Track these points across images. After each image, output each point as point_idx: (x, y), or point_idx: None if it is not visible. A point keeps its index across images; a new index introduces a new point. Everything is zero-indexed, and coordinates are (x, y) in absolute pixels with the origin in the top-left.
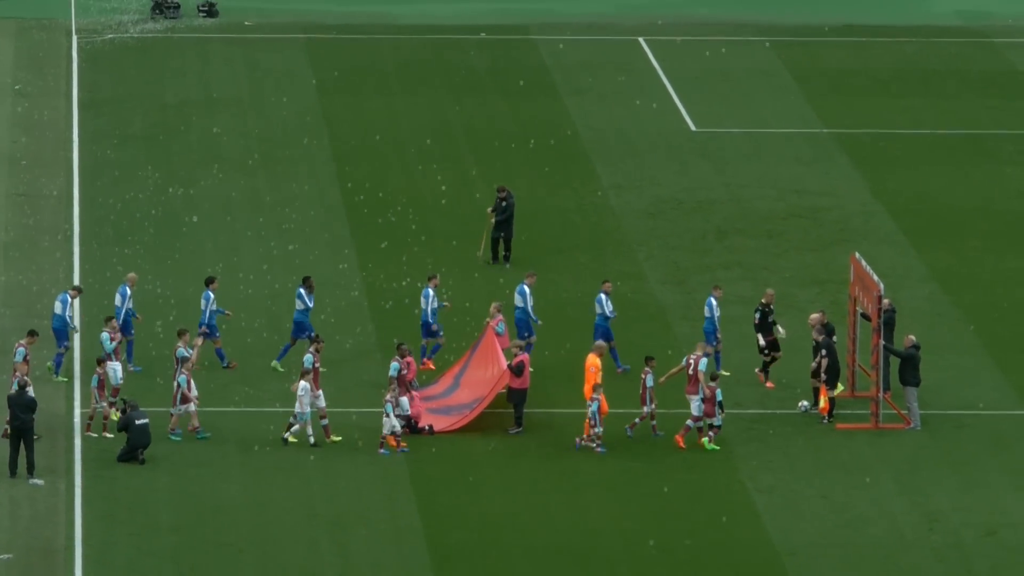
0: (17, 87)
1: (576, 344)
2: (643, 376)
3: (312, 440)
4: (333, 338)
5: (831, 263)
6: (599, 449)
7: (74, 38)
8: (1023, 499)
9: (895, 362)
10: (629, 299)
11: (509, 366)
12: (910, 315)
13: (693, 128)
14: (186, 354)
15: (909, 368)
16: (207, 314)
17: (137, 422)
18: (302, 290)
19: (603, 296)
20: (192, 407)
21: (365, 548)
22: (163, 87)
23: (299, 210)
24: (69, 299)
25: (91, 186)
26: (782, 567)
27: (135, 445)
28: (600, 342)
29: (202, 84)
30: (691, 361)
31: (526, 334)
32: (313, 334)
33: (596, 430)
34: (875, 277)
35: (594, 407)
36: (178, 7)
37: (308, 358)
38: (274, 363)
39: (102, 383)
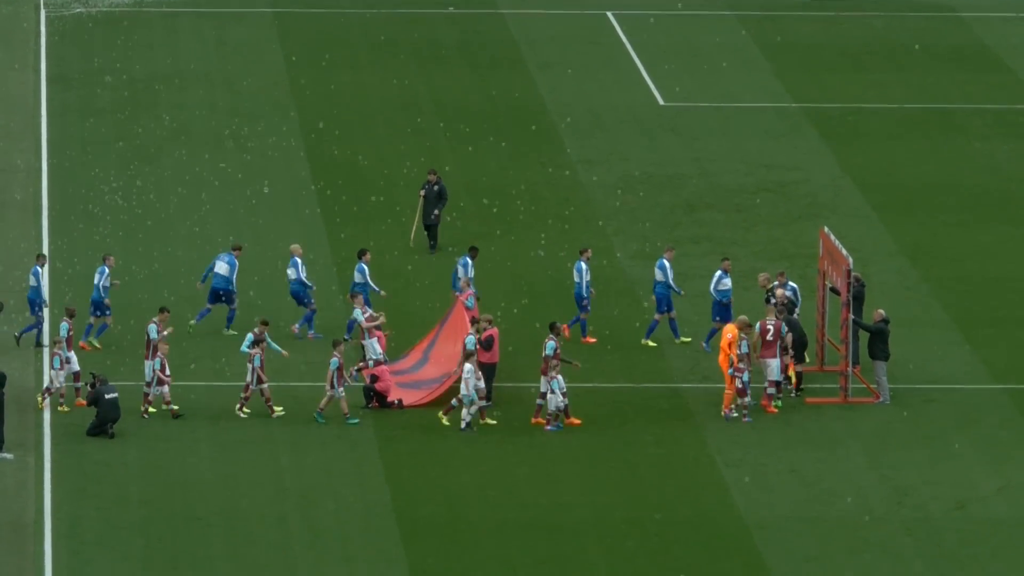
0: None
1: (545, 318)
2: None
3: (467, 421)
4: (302, 313)
5: (800, 237)
6: (747, 419)
7: (42, 12)
8: (991, 473)
9: (864, 336)
10: (598, 273)
11: (478, 340)
12: (879, 289)
13: (662, 102)
14: (349, 334)
15: (878, 342)
16: (368, 285)
17: (106, 396)
18: (468, 259)
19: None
20: (341, 392)
21: (334, 522)
22: (131, 61)
23: (268, 184)
24: (235, 260)
25: (59, 160)
26: (751, 541)
27: (104, 419)
28: (743, 316)
29: (171, 58)
30: (769, 327)
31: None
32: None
33: (747, 399)
34: (844, 251)
35: (745, 376)
36: None
37: (470, 339)
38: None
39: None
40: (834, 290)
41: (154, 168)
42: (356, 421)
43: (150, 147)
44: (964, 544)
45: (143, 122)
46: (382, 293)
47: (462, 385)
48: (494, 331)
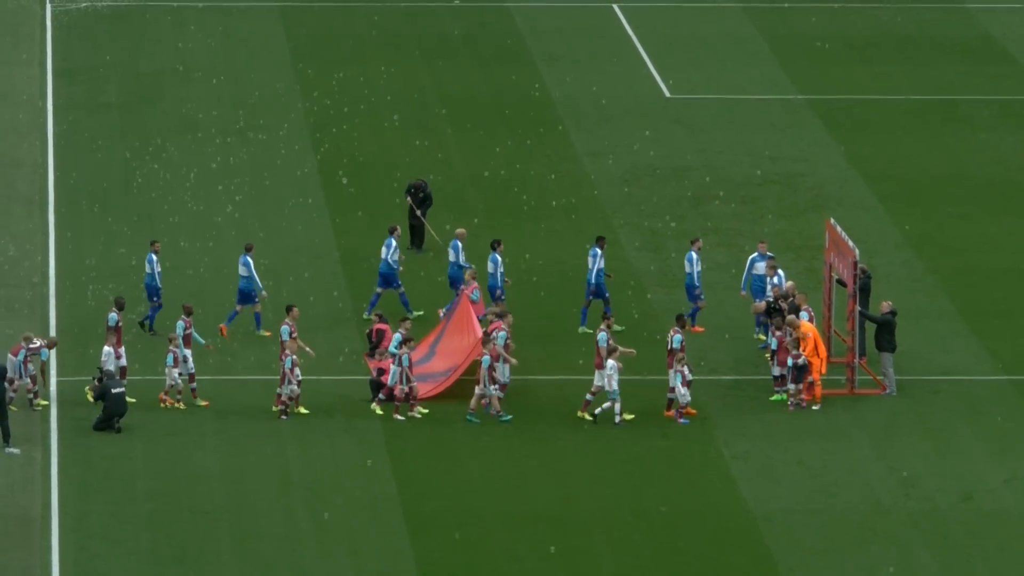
0: None
1: (551, 310)
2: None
3: (619, 419)
4: (308, 305)
5: (806, 229)
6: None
7: (48, 6)
8: (998, 464)
9: (871, 328)
10: (605, 266)
11: (484, 333)
12: (885, 281)
13: (667, 95)
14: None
15: (885, 334)
16: (498, 277)
17: (113, 391)
18: (598, 249)
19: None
20: (494, 390)
21: (341, 516)
22: (137, 55)
23: (274, 178)
24: (394, 242)
25: (66, 154)
26: (758, 533)
27: (111, 414)
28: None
29: (176, 52)
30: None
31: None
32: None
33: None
34: (850, 243)
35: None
36: None
37: (603, 336)
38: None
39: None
40: (840, 282)
41: (160, 162)
42: (509, 418)
43: (156, 141)
44: (971, 536)
45: (149, 116)
46: (508, 281)
47: (606, 381)
48: (500, 324)
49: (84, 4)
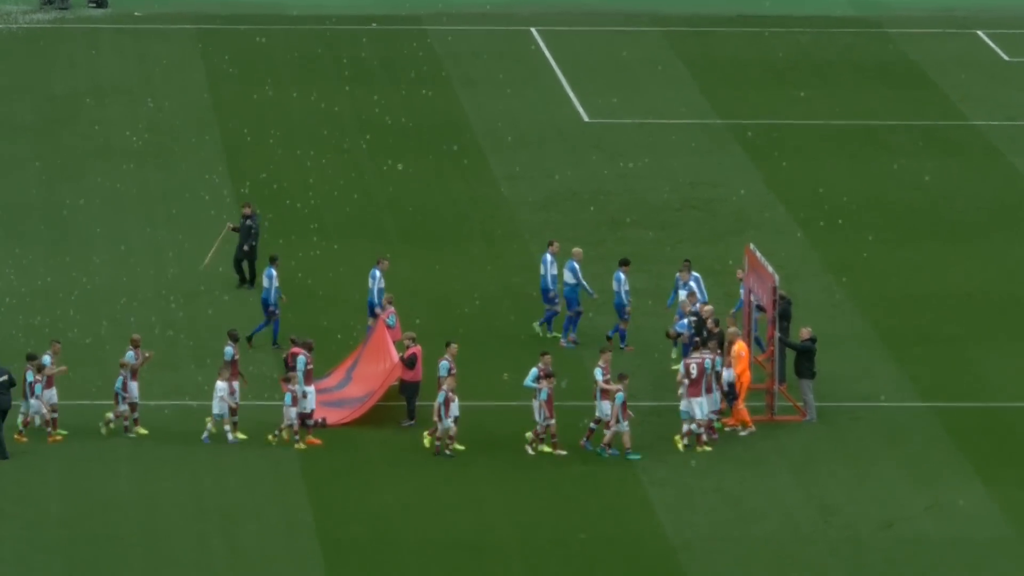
0: None
1: (465, 336)
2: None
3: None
4: (222, 329)
5: (726, 254)
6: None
7: None
8: (918, 492)
9: (791, 354)
10: (523, 291)
11: (401, 358)
12: (805, 307)
13: (586, 119)
14: (602, 377)
15: (804, 361)
16: (623, 295)
17: None
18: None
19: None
20: (626, 426)
21: (256, 542)
22: (52, 78)
23: (190, 201)
24: (550, 257)
25: None
26: (676, 561)
27: (3, 408)
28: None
29: (92, 75)
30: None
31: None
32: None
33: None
34: (770, 268)
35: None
36: None
37: (684, 369)
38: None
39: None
40: (760, 307)
41: (75, 185)
42: (638, 456)
43: (71, 164)
44: (890, 564)
45: (64, 139)
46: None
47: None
48: (417, 349)
49: None
